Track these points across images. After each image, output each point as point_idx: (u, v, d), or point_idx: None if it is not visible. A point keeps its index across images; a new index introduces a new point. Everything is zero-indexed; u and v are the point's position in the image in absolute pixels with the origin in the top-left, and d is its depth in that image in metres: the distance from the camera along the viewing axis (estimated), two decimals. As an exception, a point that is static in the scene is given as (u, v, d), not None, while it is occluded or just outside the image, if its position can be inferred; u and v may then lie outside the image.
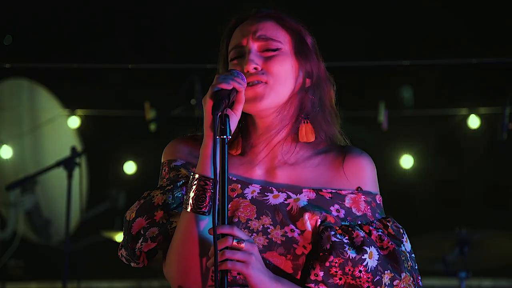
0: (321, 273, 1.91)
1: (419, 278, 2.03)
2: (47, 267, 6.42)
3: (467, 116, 5.64)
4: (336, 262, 1.90)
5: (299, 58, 2.06)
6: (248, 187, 2.00)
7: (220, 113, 1.85)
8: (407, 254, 1.99)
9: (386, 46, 6.30)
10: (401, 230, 2.01)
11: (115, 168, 6.33)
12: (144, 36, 6.58)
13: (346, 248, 1.91)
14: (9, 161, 6.30)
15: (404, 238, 2.01)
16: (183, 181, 2.01)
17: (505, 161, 6.18)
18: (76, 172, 4.17)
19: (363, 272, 1.91)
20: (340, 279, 1.92)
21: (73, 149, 4.18)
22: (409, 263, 1.98)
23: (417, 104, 6.56)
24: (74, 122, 6.00)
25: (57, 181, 5.74)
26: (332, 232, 1.93)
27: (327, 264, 1.90)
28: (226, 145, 1.85)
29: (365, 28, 6.38)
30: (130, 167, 6.11)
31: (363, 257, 1.91)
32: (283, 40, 2.05)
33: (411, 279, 1.97)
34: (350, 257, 1.91)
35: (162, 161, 2.11)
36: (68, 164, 4.13)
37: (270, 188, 2.00)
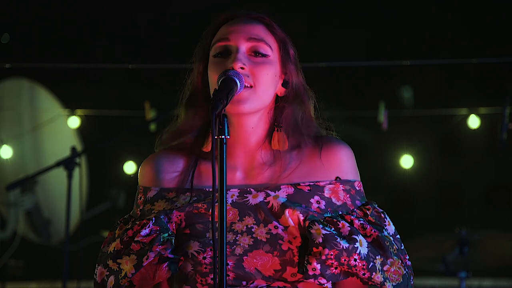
0: (318, 266, 1.92)
1: (407, 257, 2.05)
2: (47, 267, 6.42)
3: (467, 116, 5.64)
4: (331, 255, 1.92)
5: (282, 68, 2.07)
6: (227, 193, 2.01)
7: (217, 113, 1.85)
8: (391, 238, 2.01)
9: (386, 46, 6.31)
10: (382, 215, 2.03)
11: (115, 168, 6.33)
12: (144, 36, 6.58)
13: (338, 239, 1.92)
14: (9, 161, 6.30)
15: (386, 221, 2.02)
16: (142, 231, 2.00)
17: (505, 161, 6.19)
18: (76, 172, 4.17)
19: (358, 260, 1.93)
20: (336, 268, 1.93)
21: (73, 149, 4.18)
22: (394, 247, 2.00)
23: (417, 104, 6.56)
24: (74, 122, 5.99)
25: (57, 181, 5.75)
26: (321, 226, 1.94)
27: (323, 257, 1.92)
28: (225, 145, 1.85)
29: (365, 28, 6.39)
30: (130, 167, 6.11)
31: (355, 245, 1.93)
32: (272, 46, 2.05)
33: (399, 261, 1.99)
34: (344, 247, 1.92)
35: (138, 183, 2.11)
36: (68, 164, 4.13)
37: (248, 189, 2.02)
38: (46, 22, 6.41)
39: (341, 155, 2.06)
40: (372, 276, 1.94)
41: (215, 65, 2.02)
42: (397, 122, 5.50)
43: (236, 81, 1.94)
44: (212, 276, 1.96)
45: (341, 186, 2.03)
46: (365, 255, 1.93)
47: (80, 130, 6.24)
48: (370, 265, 1.93)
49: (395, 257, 1.98)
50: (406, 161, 5.72)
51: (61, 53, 6.46)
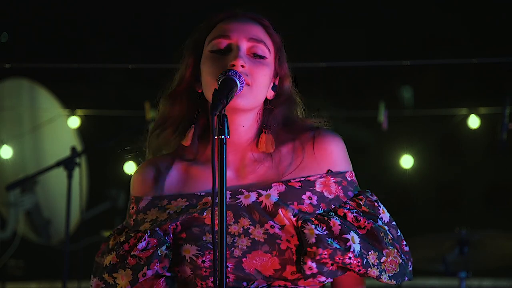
0: (314, 265, 1.93)
1: (404, 243, 2.05)
2: (47, 267, 6.42)
3: (467, 116, 5.64)
4: (325, 254, 1.92)
5: (276, 71, 2.08)
6: (218, 195, 2.00)
7: (217, 113, 1.85)
8: (385, 227, 2.01)
9: (386, 46, 6.31)
10: (376, 203, 2.03)
11: (115, 168, 6.33)
12: (144, 36, 6.58)
13: (329, 241, 1.93)
14: (9, 161, 6.30)
15: (381, 209, 2.03)
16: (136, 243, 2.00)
17: (505, 161, 6.19)
18: (76, 172, 4.17)
19: (352, 258, 1.93)
20: (332, 265, 1.94)
21: (73, 149, 4.18)
22: (389, 236, 2.00)
23: (417, 104, 6.56)
24: (74, 122, 6.00)
25: (57, 181, 5.75)
26: (313, 226, 1.94)
27: (317, 257, 1.92)
28: (224, 145, 1.85)
29: (365, 28, 6.39)
30: (130, 167, 6.12)
31: (347, 245, 1.93)
32: (270, 49, 2.06)
33: (395, 250, 1.99)
34: (337, 247, 1.92)
35: (130, 193, 2.11)
36: (68, 164, 4.13)
37: (240, 190, 2.01)
38: (46, 22, 6.41)
39: (332, 147, 2.05)
40: (368, 271, 1.94)
41: (212, 60, 2.02)
42: (397, 122, 5.50)
43: (236, 81, 1.94)
44: (212, 279, 1.96)
45: (332, 178, 2.03)
46: (358, 253, 1.93)
47: (80, 130, 6.24)
48: (364, 262, 1.93)
49: (390, 247, 1.98)
50: (406, 161, 5.73)
51: (61, 53, 6.47)
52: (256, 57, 2.03)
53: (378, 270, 1.95)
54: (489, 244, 4.44)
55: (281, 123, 2.07)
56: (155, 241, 1.98)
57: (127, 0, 6.35)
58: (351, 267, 1.93)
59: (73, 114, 5.98)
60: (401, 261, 1.99)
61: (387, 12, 6.29)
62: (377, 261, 1.95)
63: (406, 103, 6.67)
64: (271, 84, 2.07)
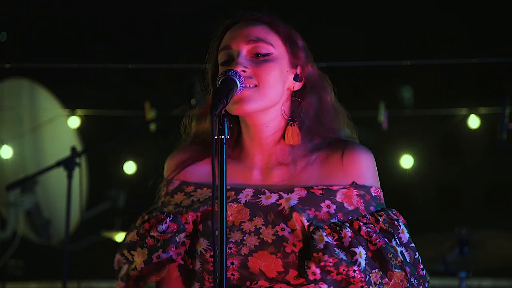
0: (318, 271, 1.92)
1: (421, 267, 2.03)
2: (47, 267, 6.42)
3: (467, 116, 5.64)
4: (330, 262, 1.92)
5: (290, 62, 2.07)
6: (242, 192, 2.03)
7: (217, 113, 1.85)
8: (399, 248, 1.99)
9: (386, 46, 6.31)
10: (396, 222, 2.02)
11: (115, 168, 6.33)
12: (144, 36, 6.58)
13: (337, 251, 1.92)
14: (9, 161, 6.30)
15: (400, 229, 2.02)
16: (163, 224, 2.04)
17: (505, 161, 6.18)
18: (76, 172, 4.17)
19: (357, 271, 1.93)
20: (337, 275, 1.94)
21: (73, 149, 4.18)
22: (399, 259, 1.98)
23: (417, 104, 6.56)
24: (74, 122, 5.99)
25: (57, 181, 5.74)
26: (324, 233, 1.93)
27: (322, 263, 1.92)
28: (224, 145, 1.85)
29: (365, 28, 6.39)
30: (130, 167, 6.11)
31: (354, 258, 1.93)
32: (275, 43, 2.05)
33: (403, 274, 1.97)
34: (343, 258, 1.92)
35: (164, 174, 2.16)
36: (68, 164, 4.13)
37: (263, 190, 2.02)
38: (46, 22, 6.41)
39: (361, 160, 2.05)
40: None
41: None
42: (397, 122, 5.50)
43: (236, 81, 1.94)
44: (218, 275, 1.97)
45: (355, 191, 2.02)
46: (363, 268, 1.93)
47: (80, 130, 6.24)
48: (367, 278, 1.93)
49: (396, 270, 1.96)
50: (406, 161, 5.72)
51: (61, 53, 6.46)
52: (260, 56, 2.03)
53: None
54: (489, 244, 4.44)
55: (312, 113, 2.07)
56: (175, 226, 2.02)
57: (127, 0, 6.35)
58: (354, 280, 1.93)
59: (73, 114, 5.97)
60: (407, 285, 1.97)
61: (387, 12, 6.29)
62: (380, 280, 1.94)
63: (406, 103, 6.67)
64: (290, 76, 2.07)
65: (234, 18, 2.11)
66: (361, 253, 1.94)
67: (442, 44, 6.40)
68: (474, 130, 5.67)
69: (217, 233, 1.85)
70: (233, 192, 2.02)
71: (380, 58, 5.77)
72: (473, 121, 5.61)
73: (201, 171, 2.10)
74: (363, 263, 1.93)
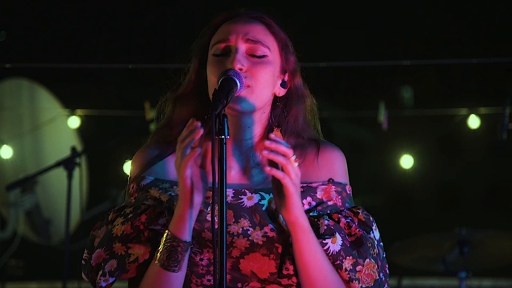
0: (291, 267, 1.95)
1: (387, 266, 2.06)
2: (47, 267, 6.42)
3: (467, 116, 5.64)
4: None
5: (281, 68, 2.07)
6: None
7: (217, 113, 1.85)
8: (375, 241, 2.02)
9: (386, 46, 6.31)
10: (371, 218, 2.05)
11: (115, 168, 6.33)
12: (144, 36, 6.58)
13: None
14: (9, 161, 6.30)
15: (374, 226, 2.05)
16: (144, 207, 1.99)
17: (505, 161, 6.19)
18: (76, 172, 4.17)
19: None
20: None
21: (73, 149, 4.18)
22: (375, 250, 2.01)
23: (417, 104, 6.56)
24: (74, 122, 5.99)
25: (57, 181, 5.75)
26: None
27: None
28: (224, 145, 1.85)
29: (365, 28, 6.39)
30: (130, 167, 6.11)
31: (324, 241, 1.94)
32: (271, 47, 2.05)
33: (376, 265, 2.00)
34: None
35: (129, 174, 2.10)
36: (68, 164, 4.13)
37: (243, 190, 2.02)
38: (46, 22, 6.41)
39: (335, 158, 2.08)
40: (339, 272, 1.96)
41: (215, 64, 2.03)
42: (397, 122, 5.50)
43: (236, 81, 1.94)
44: (208, 278, 1.96)
45: (333, 187, 2.05)
46: (334, 252, 1.95)
47: (80, 130, 6.24)
48: (336, 262, 1.95)
49: (372, 260, 1.99)
50: (406, 161, 5.72)
51: (61, 53, 6.46)
52: (256, 57, 2.03)
53: (349, 275, 1.96)
54: (489, 244, 4.44)
55: (291, 120, 2.08)
56: None
57: (127, 0, 6.35)
58: None
59: (73, 114, 5.97)
60: (378, 278, 2.00)
61: (387, 12, 6.29)
62: (351, 267, 1.96)
63: (406, 103, 6.67)
64: (278, 81, 2.08)
65: (231, 11, 2.10)
66: (336, 239, 1.95)
67: (442, 44, 6.40)
68: (474, 130, 5.67)
69: (210, 235, 1.85)
70: (211, 192, 2.01)
71: (380, 58, 5.78)
72: (473, 121, 5.61)
73: (172, 167, 2.03)
74: (335, 248, 1.95)
